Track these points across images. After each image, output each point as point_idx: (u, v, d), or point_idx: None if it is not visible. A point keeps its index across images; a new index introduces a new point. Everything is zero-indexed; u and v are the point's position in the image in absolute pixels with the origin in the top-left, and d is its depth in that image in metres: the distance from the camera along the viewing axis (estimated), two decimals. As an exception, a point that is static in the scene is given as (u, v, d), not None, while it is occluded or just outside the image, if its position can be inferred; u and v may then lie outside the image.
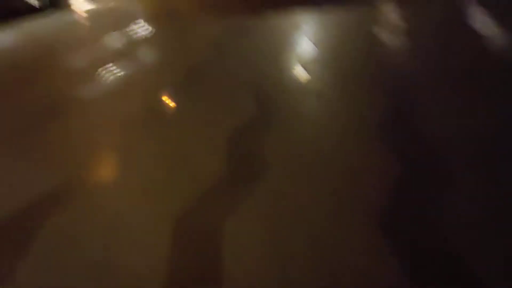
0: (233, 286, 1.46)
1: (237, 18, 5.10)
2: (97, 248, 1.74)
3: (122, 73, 3.78)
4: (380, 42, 3.62)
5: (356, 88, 2.80)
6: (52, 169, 2.41)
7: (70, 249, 1.76)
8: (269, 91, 2.94)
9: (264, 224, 1.71)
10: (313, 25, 4.64)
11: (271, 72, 3.29)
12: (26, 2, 7.18)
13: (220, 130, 2.49)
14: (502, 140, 2.02)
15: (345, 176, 1.96)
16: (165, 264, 1.59)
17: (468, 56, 3.07)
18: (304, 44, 3.94)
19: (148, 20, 5.73)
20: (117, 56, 4.32)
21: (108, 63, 4.01)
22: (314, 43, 3.86)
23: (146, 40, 5.03)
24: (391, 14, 4.33)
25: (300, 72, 3.28)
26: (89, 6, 7.83)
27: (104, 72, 3.82)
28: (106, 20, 6.66)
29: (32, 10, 7.28)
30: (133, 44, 4.83)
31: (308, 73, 3.18)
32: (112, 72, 3.80)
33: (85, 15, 7.51)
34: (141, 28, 5.41)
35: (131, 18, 5.89)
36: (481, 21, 3.78)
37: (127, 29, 5.39)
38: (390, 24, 4.05)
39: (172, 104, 3.15)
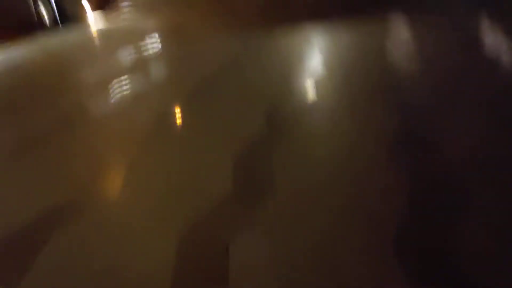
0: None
1: (248, 35, 5.12)
2: (103, 258, 1.74)
3: (132, 89, 3.80)
4: (393, 61, 3.60)
5: (368, 107, 2.78)
6: (59, 183, 2.42)
7: (76, 262, 1.76)
8: (279, 108, 2.93)
9: (270, 242, 1.70)
10: (324, 42, 4.68)
11: (282, 89, 3.27)
12: (40, 18, 7.37)
13: (229, 147, 2.47)
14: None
15: (355, 196, 1.93)
16: (170, 276, 1.60)
17: (483, 78, 3.04)
18: (316, 61, 3.93)
19: (159, 36, 5.80)
20: (128, 72, 4.36)
21: (119, 78, 4.05)
22: (325, 60, 3.84)
23: (157, 56, 5.08)
24: (404, 32, 4.35)
25: (311, 90, 3.25)
26: (101, 22, 7.95)
27: (115, 87, 3.85)
28: (117, 36, 6.78)
29: (45, 26, 7.47)
30: (144, 60, 4.88)
31: (319, 91, 3.17)
32: (123, 88, 3.82)
33: (96, 30, 7.64)
34: (153, 44, 5.48)
35: (143, 34, 5.96)
36: (496, 42, 3.78)
37: (139, 45, 5.44)
38: (403, 43, 4.06)
39: (181, 120, 3.16)
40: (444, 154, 2.01)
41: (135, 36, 5.93)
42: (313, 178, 1.91)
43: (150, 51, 5.54)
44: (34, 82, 4.91)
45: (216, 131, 2.76)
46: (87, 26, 7.92)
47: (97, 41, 6.54)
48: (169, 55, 5.56)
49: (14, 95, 4.53)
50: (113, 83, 4.49)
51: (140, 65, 5.10)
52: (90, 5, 7.59)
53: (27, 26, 6.85)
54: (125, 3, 6.87)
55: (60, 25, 7.23)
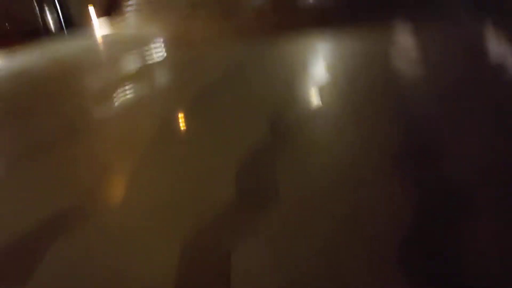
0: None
1: (252, 43, 5.14)
2: (107, 263, 1.73)
3: (137, 95, 3.82)
4: (398, 69, 3.60)
5: (373, 116, 2.76)
6: (63, 188, 2.41)
7: (80, 267, 1.75)
8: (282, 116, 2.92)
9: (273, 249, 1.66)
10: (329, 50, 4.66)
11: (286, 97, 3.28)
12: (46, 25, 7.41)
13: (232, 154, 2.46)
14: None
15: (359, 206, 1.89)
16: (173, 281, 1.56)
17: (488, 86, 3.02)
18: (320, 69, 3.94)
19: (164, 44, 5.83)
20: (133, 78, 4.39)
21: (124, 86, 4.07)
22: (330, 69, 3.85)
23: (161, 63, 5.10)
24: (409, 40, 4.34)
25: (315, 98, 3.25)
26: (106, 29, 8.01)
27: (119, 94, 3.87)
28: (122, 43, 6.70)
29: (51, 32, 7.51)
30: (148, 67, 4.91)
31: (323, 99, 3.16)
32: (127, 95, 3.84)
33: (102, 38, 7.70)
34: (157, 52, 5.51)
35: (147, 42, 6.00)
36: (500, 50, 3.76)
37: (143, 53, 5.47)
38: (407, 50, 4.05)
39: (185, 126, 3.17)
40: (449, 162, 1.99)
41: (140, 43, 5.90)
42: (316, 185, 1.90)
43: (154, 58, 5.51)
44: (39, 87, 4.88)
45: (220, 137, 2.75)
46: (92, 32, 7.88)
47: (101, 48, 6.52)
48: (173, 62, 5.52)
49: (19, 100, 4.51)
50: (117, 89, 4.47)
51: (144, 71, 5.07)
52: (96, 12, 7.61)
53: (33, 32, 6.91)
54: (129, 10, 6.87)
55: (65, 31, 7.27)
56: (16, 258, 1.92)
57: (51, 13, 7.52)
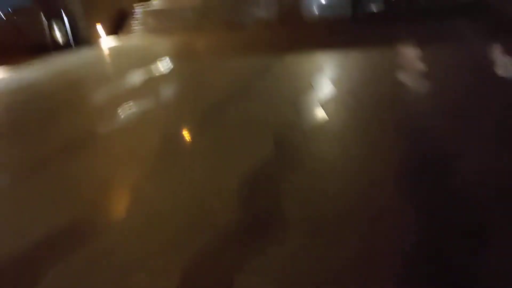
0: None
1: (258, 59, 5.17)
2: (108, 284, 1.69)
3: (143, 109, 3.82)
4: (402, 85, 3.59)
5: (378, 132, 2.75)
6: (65, 204, 2.38)
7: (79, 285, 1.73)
8: (288, 133, 2.91)
9: (276, 280, 1.59)
10: (334, 66, 4.66)
11: (291, 114, 3.26)
12: (54, 39, 7.52)
13: (236, 173, 2.42)
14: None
15: (366, 224, 1.84)
16: None
17: (494, 102, 3.00)
18: (325, 86, 3.92)
19: (170, 59, 5.87)
20: (139, 93, 4.40)
21: (130, 99, 4.08)
22: (335, 85, 3.84)
23: (167, 78, 5.14)
24: (413, 56, 4.35)
25: (320, 115, 3.23)
26: (113, 44, 8.18)
27: (125, 108, 3.87)
28: (129, 57, 6.76)
29: (59, 47, 7.61)
30: (155, 81, 4.93)
31: (328, 115, 3.15)
32: (133, 109, 3.84)
33: (109, 52, 7.82)
34: (164, 66, 5.54)
35: (154, 56, 6.02)
36: (506, 66, 3.75)
37: (150, 67, 5.50)
38: (411, 67, 4.11)
39: (189, 143, 3.14)
40: (455, 177, 1.95)
41: (146, 59, 5.95)
42: (322, 205, 1.86)
43: (160, 74, 5.53)
44: (45, 102, 4.91)
45: (224, 155, 2.72)
46: (99, 48, 7.98)
47: (108, 62, 6.58)
48: (178, 78, 5.55)
49: (24, 114, 4.53)
50: (123, 104, 4.47)
51: (150, 87, 5.08)
52: (104, 29, 7.69)
53: (41, 47, 7.01)
54: (137, 27, 6.96)
55: (73, 46, 7.36)
56: (16, 273, 1.86)
57: (59, 29, 7.64)
